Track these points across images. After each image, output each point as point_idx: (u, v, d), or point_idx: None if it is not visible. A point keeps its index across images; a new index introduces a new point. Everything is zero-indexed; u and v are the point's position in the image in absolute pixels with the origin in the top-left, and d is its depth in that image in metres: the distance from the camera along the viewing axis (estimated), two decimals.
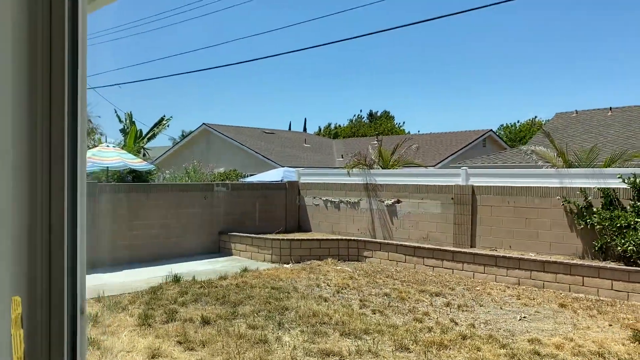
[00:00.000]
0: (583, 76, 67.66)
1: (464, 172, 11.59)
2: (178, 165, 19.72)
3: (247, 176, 18.60)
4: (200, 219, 12.83)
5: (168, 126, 26.73)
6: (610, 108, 23.61)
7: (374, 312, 7.57)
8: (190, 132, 30.23)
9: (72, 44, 1.06)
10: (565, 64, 67.66)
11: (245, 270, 10.45)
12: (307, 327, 6.71)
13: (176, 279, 9.41)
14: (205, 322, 6.89)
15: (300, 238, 12.35)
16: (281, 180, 14.92)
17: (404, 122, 56.42)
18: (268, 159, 25.45)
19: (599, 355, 5.74)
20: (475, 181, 11.37)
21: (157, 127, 26.43)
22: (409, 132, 45.67)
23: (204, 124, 28.31)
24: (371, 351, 5.81)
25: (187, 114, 77.98)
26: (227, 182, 14.74)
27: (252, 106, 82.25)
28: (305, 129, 51.77)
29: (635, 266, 8.61)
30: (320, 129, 54.88)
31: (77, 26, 1.07)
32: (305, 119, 65.45)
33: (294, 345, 5.99)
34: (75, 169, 0.97)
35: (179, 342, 6.11)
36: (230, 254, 12.69)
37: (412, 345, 6.05)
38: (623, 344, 6.13)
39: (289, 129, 46.85)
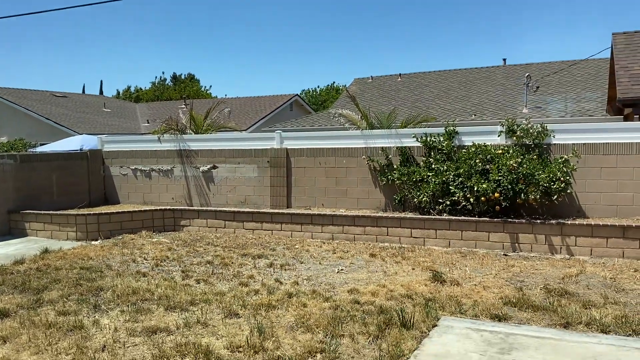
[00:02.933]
0: (377, 43, 73.57)
1: (278, 136, 11.79)
2: None
3: (39, 146, 16.52)
4: None
5: None
6: (400, 74, 26.10)
7: (198, 281, 7.38)
8: None
9: None
10: (363, 31, 72.74)
11: (46, 251, 9.33)
12: (128, 306, 6.25)
13: None
14: (3, 314, 5.98)
15: (108, 212, 11.41)
16: (80, 149, 13.52)
17: (210, 86, 55.28)
18: (62, 125, 22.91)
19: (408, 297, 6.40)
20: (289, 144, 11.66)
21: None
22: (216, 96, 45.04)
23: None
24: (200, 322, 5.65)
25: None
26: (15, 153, 12.88)
27: (35, 66, 72.81)
28: (101, 92, 47.61)
29: (429, 215, 9.77)
30: (119, 93, 51.02)
31: None
32: (102, 82, 60.17)
33: (115, 327, 5.54)
34: None
35: None
36: (25, 235, 11.20)
37: (241, 310, 6.04)
38: (425, 285, 6.94)
39: (83, 92, 42.62)
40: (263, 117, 26.33)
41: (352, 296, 6.50)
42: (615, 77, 12.49)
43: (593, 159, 9.26)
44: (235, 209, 11.27)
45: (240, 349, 4.91)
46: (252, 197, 11.87)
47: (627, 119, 13.54)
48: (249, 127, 24.58)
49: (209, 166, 12.23)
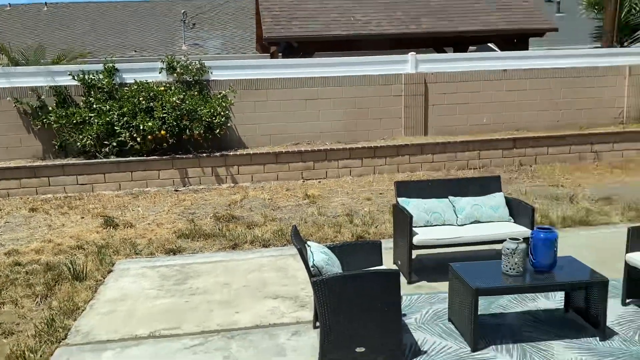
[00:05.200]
0: None
1: None
2: None
3: None
4: None
5: None
6: (46, 3, 23.04)
7: None
8: None
9: None
10: None
11: None
12: None
13: None
14: None
15: None
16: None
17: None
18: None
19: (79, 248, 6.04)
20: None
21: None
22: None
23: None
24: None
25: None
26: None
27: None
28: None
29: (95, 158, 9.23)
30: None
31: None
32: None
33: None
34: None
35: None
36: None
37: None
38: (97, 232, 6.64)
39: None
40: None
41: (11, 259, 5.77)
42: (260, 17, 13.72)
43: (248, 94, 10.12)
44: None
45: None
46: None
47: (272, 56, 15.19)
48: None
49: None
